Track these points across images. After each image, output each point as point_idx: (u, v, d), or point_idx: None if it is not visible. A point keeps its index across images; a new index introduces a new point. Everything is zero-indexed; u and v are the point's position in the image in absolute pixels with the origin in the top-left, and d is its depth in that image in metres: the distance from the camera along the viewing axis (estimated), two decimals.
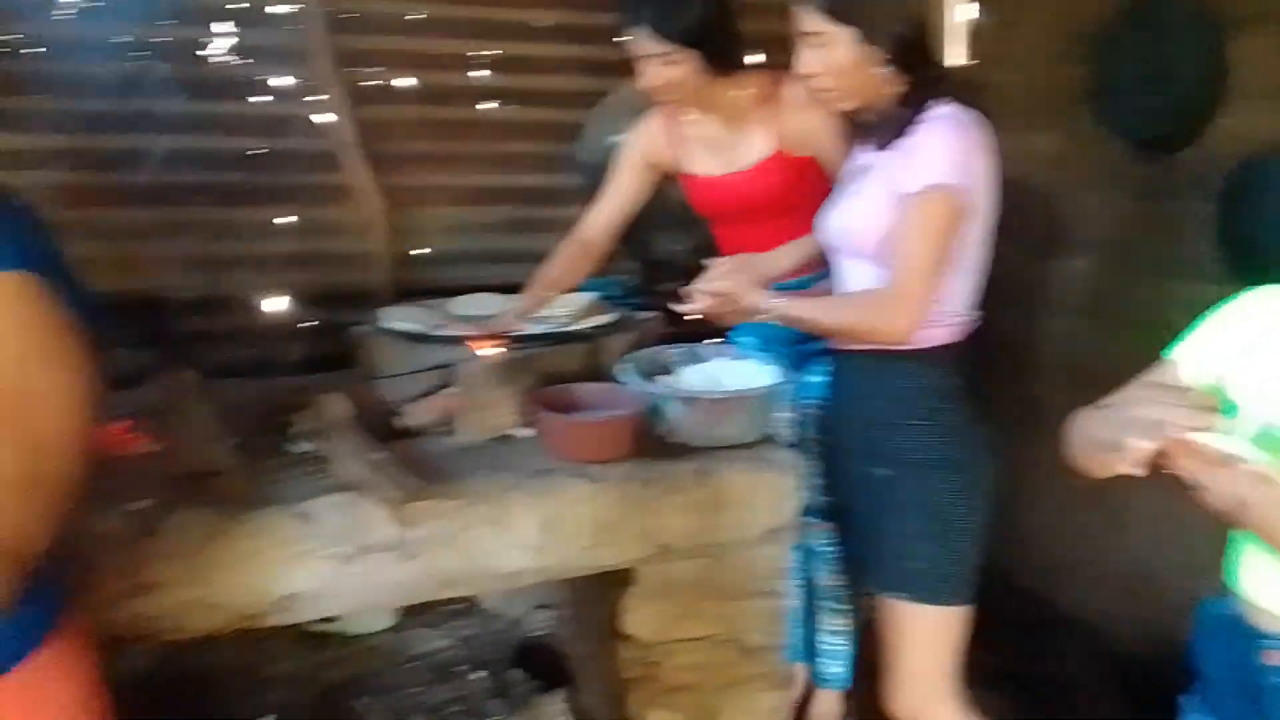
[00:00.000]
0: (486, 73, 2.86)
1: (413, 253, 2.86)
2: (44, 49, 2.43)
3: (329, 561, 1.61)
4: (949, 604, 1.70)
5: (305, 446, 1.81)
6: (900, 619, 1.72)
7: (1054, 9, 2.75)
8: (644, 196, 2.24)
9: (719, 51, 1.91)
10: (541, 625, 2.94)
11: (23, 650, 0.94)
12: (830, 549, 2.19)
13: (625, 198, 2.22)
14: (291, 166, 2.68)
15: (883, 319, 1.59)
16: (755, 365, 2.01)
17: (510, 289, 2.41)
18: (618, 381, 1.91)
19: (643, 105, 2.84)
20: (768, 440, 1.90)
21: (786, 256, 1.95)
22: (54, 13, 2.40)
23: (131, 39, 2.45)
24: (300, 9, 2.57)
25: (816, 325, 1.71)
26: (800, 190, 1.97)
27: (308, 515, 1.59)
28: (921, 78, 1.63)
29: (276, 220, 2.71)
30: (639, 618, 1.86)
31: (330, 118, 2.66)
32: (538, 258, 2.30)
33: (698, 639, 1.88)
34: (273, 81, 2.60)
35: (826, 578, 2.16)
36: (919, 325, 1.58)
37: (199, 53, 2.53)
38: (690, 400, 1.82)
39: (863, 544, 1.81)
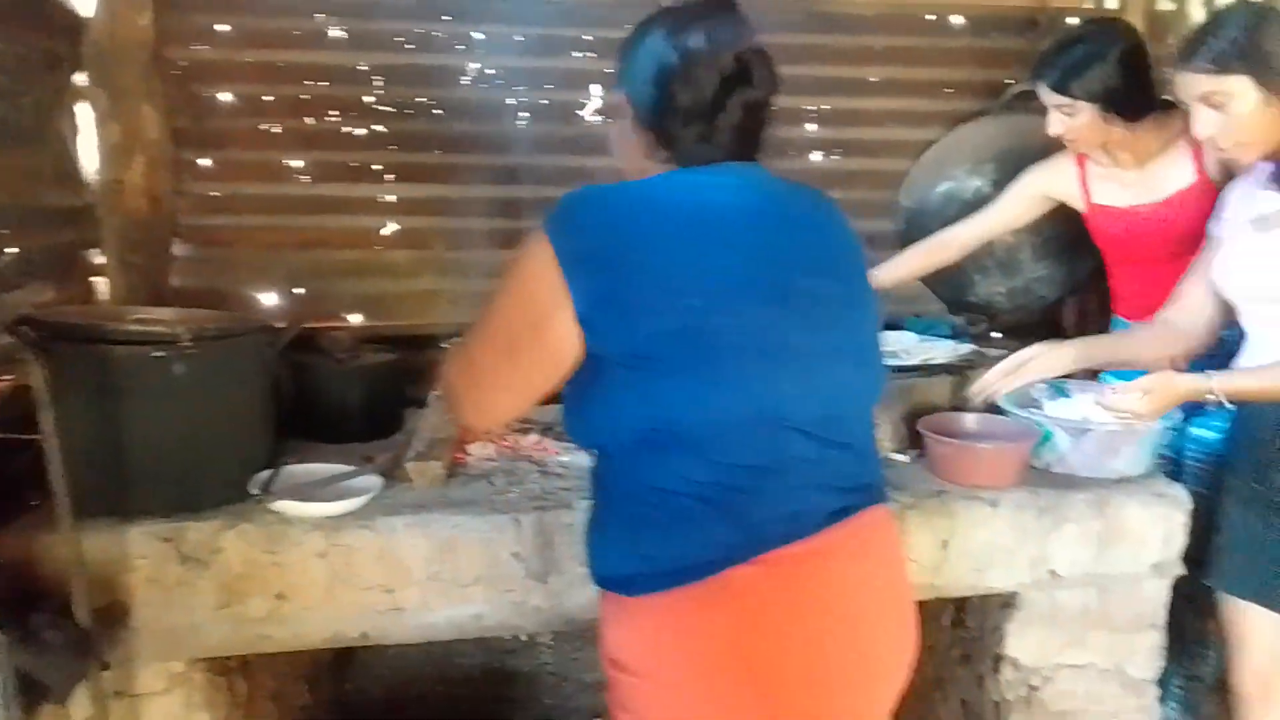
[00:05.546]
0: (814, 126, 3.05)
1: None
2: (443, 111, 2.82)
3: None
4: None
5: None
6: None
7: None
8: (1019, 225, 2.39)
9: (1121, 104, 1.99)
10: None
11: None
12: None
13: (1002, 221, 2.38)
14: None
15: None
16: None
17: None
18: (998, 412, 2.00)
19: (962, 157, 2.97)
20: (1154, 474, 1.94)
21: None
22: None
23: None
24: None
25: (1265, 393, 1.72)
26: None
27: None
28: None
29: None
30: (1022, 642, 1.92)
31: None
32: None
33: (1080, 667, 1.92)
34: None
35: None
36: None
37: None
38: (1082, 432, 1.88)
39: None
